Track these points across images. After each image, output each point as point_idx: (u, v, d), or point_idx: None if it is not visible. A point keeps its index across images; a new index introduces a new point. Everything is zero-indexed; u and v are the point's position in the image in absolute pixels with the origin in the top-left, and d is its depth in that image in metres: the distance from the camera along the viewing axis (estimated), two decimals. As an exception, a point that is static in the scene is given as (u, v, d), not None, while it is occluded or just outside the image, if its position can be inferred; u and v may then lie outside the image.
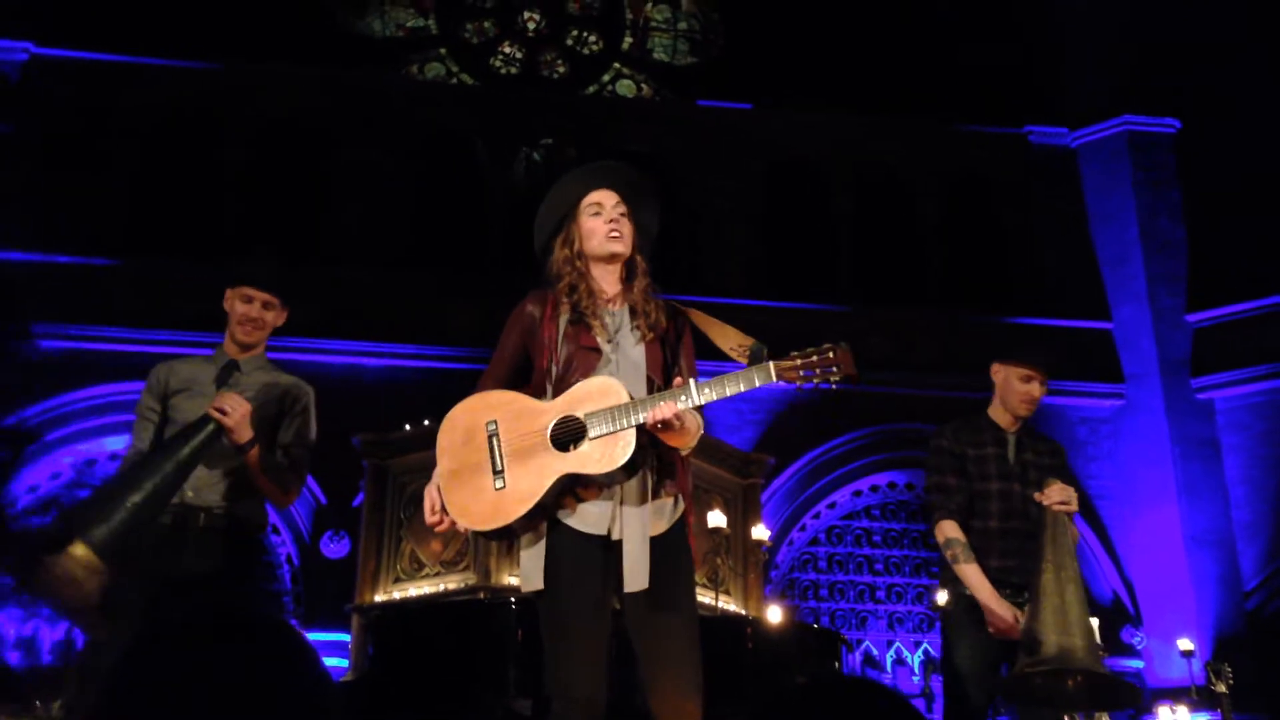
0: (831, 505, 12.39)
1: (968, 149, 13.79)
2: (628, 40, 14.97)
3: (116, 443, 10.65)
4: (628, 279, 3.09)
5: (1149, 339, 12.66)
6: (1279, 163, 12.40)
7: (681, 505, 2.99)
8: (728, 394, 2.84)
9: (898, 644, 12.15)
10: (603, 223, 3.08)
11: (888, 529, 12.49)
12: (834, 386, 2.87)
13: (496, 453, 2.86)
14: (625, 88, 14.75)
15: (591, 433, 2.81)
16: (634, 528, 2.85)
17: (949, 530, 4.06)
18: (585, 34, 14.95)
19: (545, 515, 2.85)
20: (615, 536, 2.85)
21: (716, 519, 7.76)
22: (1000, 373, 4.29)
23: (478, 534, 2.90)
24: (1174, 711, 9.99)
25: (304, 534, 11.21)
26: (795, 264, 12.93)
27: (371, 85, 13.16)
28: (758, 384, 2.84)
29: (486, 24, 14.84)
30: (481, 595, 7.62)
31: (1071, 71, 13.91)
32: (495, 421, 2.89)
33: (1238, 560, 12.00)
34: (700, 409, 2.86)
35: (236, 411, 3.58)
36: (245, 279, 3.93)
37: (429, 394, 10.91)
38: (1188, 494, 12.10)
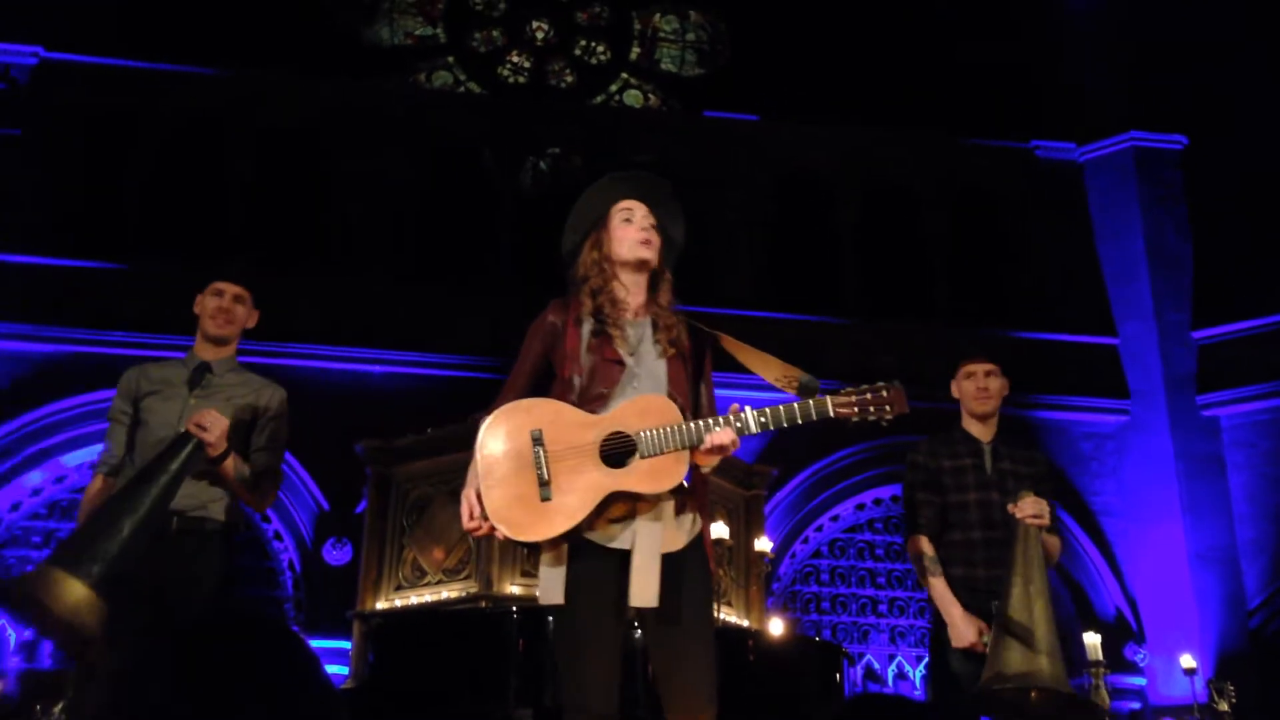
0: (834, 518, 12.37)
1: (974, 163, 13.79)
2: (635, 50, 15.00)
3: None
4: (652, 291, 3.08)
5: (1154, 355, 12.65)
6: (1286, 180, 12.41)
7: (700, 522, 2.98)
8: (784, 425, 2.85)
9: (899, 658, 12.12)
10: (634, 229, 3.07)
11: (890, 542, 12.46)
12: (885, 424, 2.88)
13: (543, 463, 2.81)
14: (632, 98, 14.77)
15: (644, 451, 2.80)
16: (648, 544, 2.82)
17: (918, 545, 4.13)
18: (593, 44, 14.98)
19: (579, 530, 2.83)
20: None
21: (719, 530, 7.75)
22: (954, 388, 4.34)
23: (513, 542, 2.86)
24: (1176, 729, 9.95)
25: (306, 540, 11.20)
26: (801, 275, 12.93)
27: (379, 93, 13.19)
28: (814, 418, 2.85)
29: (495, 33, 14.87)
30: (483, 604, 7.62)
31: (1079, 87, 13.91)
32: (540, 430, 2.84)
33: (1241, 578, 11.96)
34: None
35: (215, 428, 3.59)
36: (215, 276, 3.99)
37: (433, 402, 10.92)
38: (1192, 511, 12.07)
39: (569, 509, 2.79)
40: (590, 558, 2.84)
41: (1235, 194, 12.78)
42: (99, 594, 3.22)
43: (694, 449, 2.81)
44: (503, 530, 2.81)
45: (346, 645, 8.69)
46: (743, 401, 2.96)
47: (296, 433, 11.23)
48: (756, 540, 8.58)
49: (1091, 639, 5.25)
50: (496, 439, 2.86)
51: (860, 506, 12.45)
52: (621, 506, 2.84)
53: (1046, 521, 3.82)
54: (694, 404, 3.01)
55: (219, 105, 12.68)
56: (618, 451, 2.82)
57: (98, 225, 11.86)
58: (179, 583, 3.60)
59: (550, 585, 2.85)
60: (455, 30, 14.74)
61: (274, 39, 13.02)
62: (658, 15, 15.15)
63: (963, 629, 3.94)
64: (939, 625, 4.10)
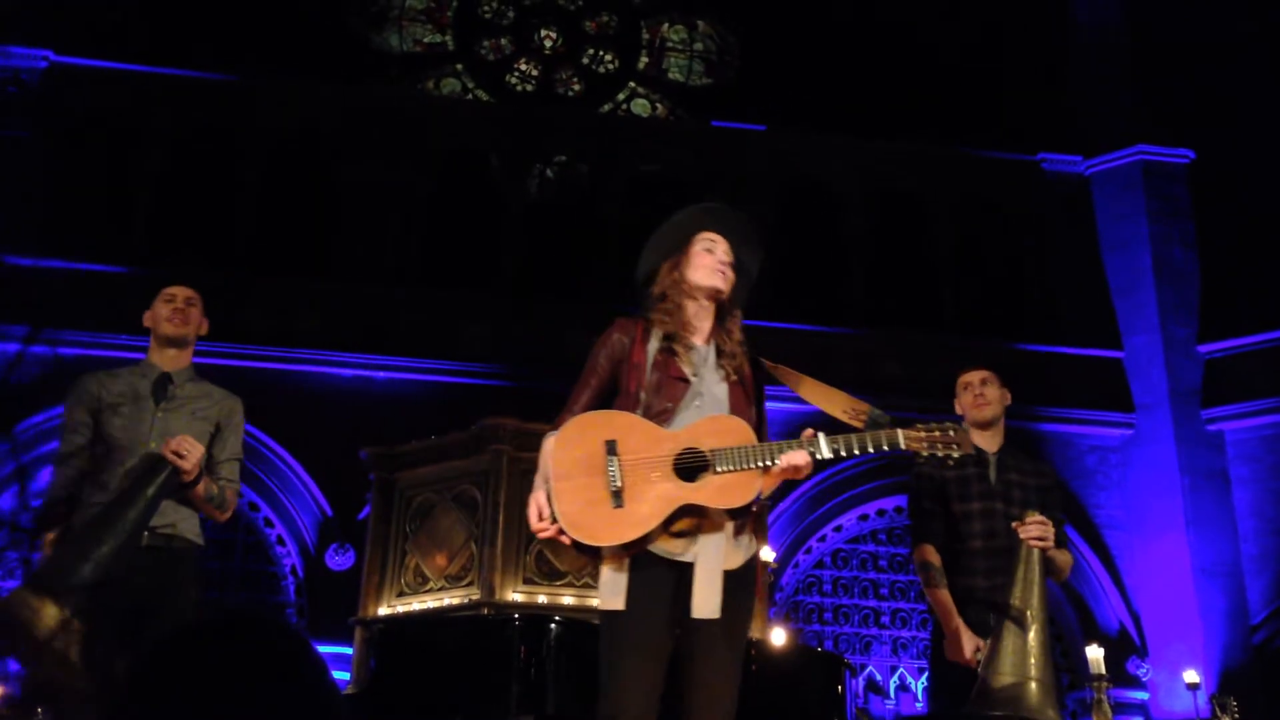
0: (838, 529, 12.36)
1: (981, 175, 13.79)
2: (643, 60, 15.02)
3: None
4: (719, 320, 3.18)
5: (1160, 369, 12.63)
6: (1293, 195, 12.40)
7: (755, 544, 3.07)
8: (855, 453, 2.93)
9: (901, 669, 12.09)
10: (713, 259, 3.16)
11: (894, 554, 12.45)
12: (950, 462, 3.02)
13: (616, 471, 2.87)
14: (640, 107, 14.79)
15: (719, 468, 2.87)
16: (711, 558, 2.90)
17: (924, 555, 4.13)
18: (601, 53, 15.01)
19: (645, 540, 2.89)
20: (693, 563, 2.92)
21: (764, 553, 7.75)
22: (956, 406, 4.36)
23: (577, 547, 2.91)
24: (1179, 744, 9.92)
25: (309, 545, 11.21)
26: (808, 285, 12.93)
27: (387, 100, 13.22)
28: (885, 449, 2.94)
29: (503, 41, 14.91)
30: (485, 611, 7.61)
31: (1086, 100, 13.92)
32: (615, 441, 2.91)
33: (1245, 593, 11.93)
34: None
35: (192, 455, 3.59)
36: (164, 285, 3.96)
37: (438, 408, 10.94)
38: (1196, 525, 12.04)
39: (640, 517, 2.85)
40: (651, 568, 2.91)
41: (1242, 208, 12.78)
42: (76, 619, 3.22)
43: (767, 469, 2.88)
44: (572, 534, 2.87)
45: (348, 651, 8.68)
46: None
47: (300, 437, 11.25)
48: (760, 550, 8.56)
49: (1094, 653, 5.23)
50: (571, 445, 2.93)
51: (864, 517, 12.44)
52: (686, 521, 2.90)
53: (1050, 543, 3.79)
54: (754, 429, 3.08)
55: (227, 110, 12.72)
56: (690, 466, 2.89)
57: (105, 228, 11.89)
58: (154, 599, 3.57)
59: (612, 591, 2.91)
60: (464, 38, 14.78)
61: (283, 45, 13.06)
62: (666, 25, 15.18)
63: (960, 644, 3.95)
64: (939, 636, 4.10)
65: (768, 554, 7.75)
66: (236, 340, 11.06)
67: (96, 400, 3.83)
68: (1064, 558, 4.00)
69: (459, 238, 12.86)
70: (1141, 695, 11.66)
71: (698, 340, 3.12)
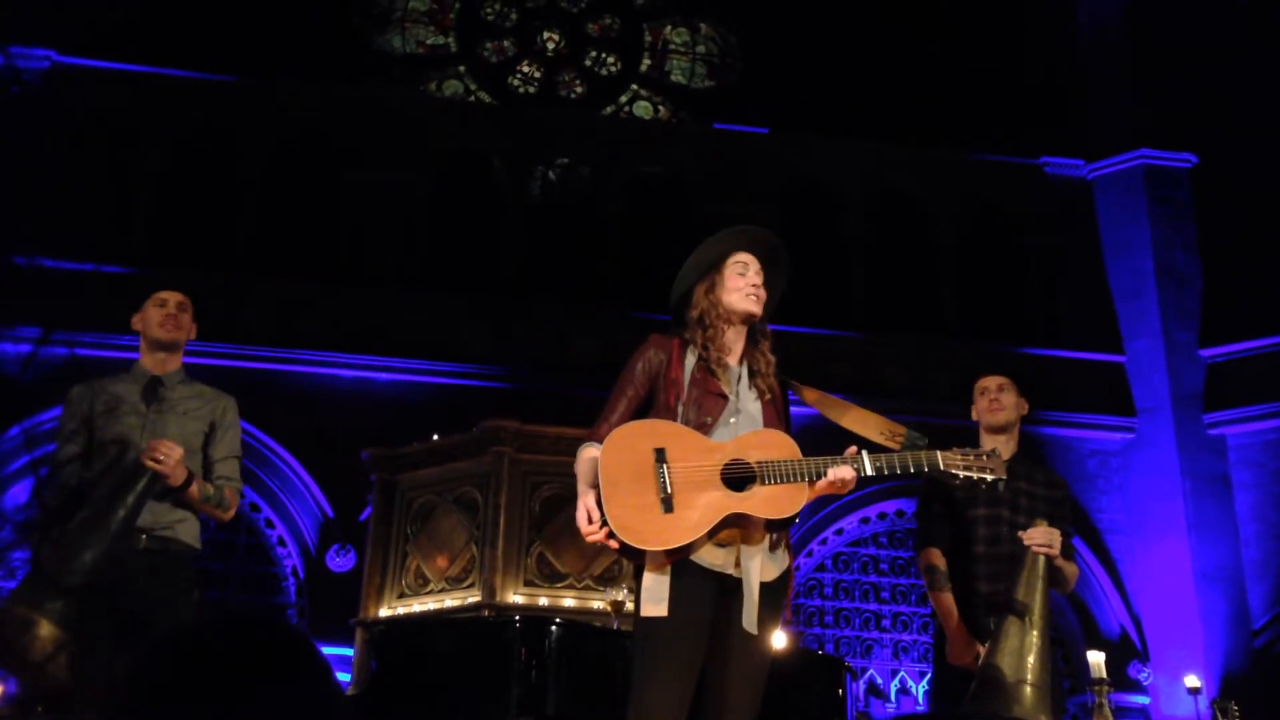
0: (839, 531, 12.35)
1: (983, 178, 13.79)
2: (646, 62, 15.02)
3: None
4: (751, 340, 3.26)
5: (1162, 373, 12.62)
6: (1296, 199, 12.39)
7: (788, 557, 3.16)
8: (896, 472, 3.05)
9: (902, 673, 12.08)
10: (745, 282, 3.24)
11: (895, 557, 12.44)
12: (985, 487, 3.17)
13: (665, 479, 2.94)
14: (642, 109, 14.79)
15: (767, 479, 2.96)
16: (754, 571, 3.00)
17: (929, 558, 4.18)
18: (604, 55, 15.01)
19: (690, 548, 2.96)
20: (735, 576, 2.99)
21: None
22: (973, 412, 4.41)
23: (624, 551, 2.97)
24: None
25: (310, 546, 11.20)
26: (809, 288, 12.91)
27: (390, 101, 13.21)
28: (925, 469, 3.06)
29: (506, 43, 14.91)
30: (486, 613, 7.62)
31: (1089, 104, 13.91)
32: (664, 449, 2.98)
33: (1246, 597, 11.92)
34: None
35: (170, 458, 3.59)
36: (156, 290, 3.97)
37: (439, 410, 10.94)
38: (1197, 530, 12.03)
39: (688, 523, 2.92)
40: (693, 577, 2.97)
41: (1244, 212, 12.77)
42: (69, 631, 3.21)
43: (813, 483, 3.00)
44: (622, 536, 2.92)
45: (349, 652, 8.69)
46: None
47: (301, 438, 11.26)
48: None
49: (1095, 657, 5.22)
50: (620, 452, 2.99)
51: (865, 520, 12.43)
52: (728, 533, 2.98)
53: (1056, 551, 3.82)
54: None
55: (229, 111, 12.72)
56: (738, 477, 2.97)
57: (106, 229, 11.89)
58: (153, 603, 3.57)
59: (655, 597, 2.96)
60: (466, 40, 14.78)
61: (285, 46, 13.06)
62: (668, 27, 15.18)
63: (960, 648, 4.00)
64: (941, 639, 4.13)
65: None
66: (237, 341, 11.07)
67: (89, 408, 3.84)
68: (1070, 569, 4.03)
69: (460, 239, 12.86)
70: (1142, 700, 11.64)
71: (731, 360, 3.21)
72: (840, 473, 2.98)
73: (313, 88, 12.92)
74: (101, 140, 12.22)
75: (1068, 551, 3.96)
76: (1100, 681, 5.19)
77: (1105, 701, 5.14)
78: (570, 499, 4.11)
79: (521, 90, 14.68)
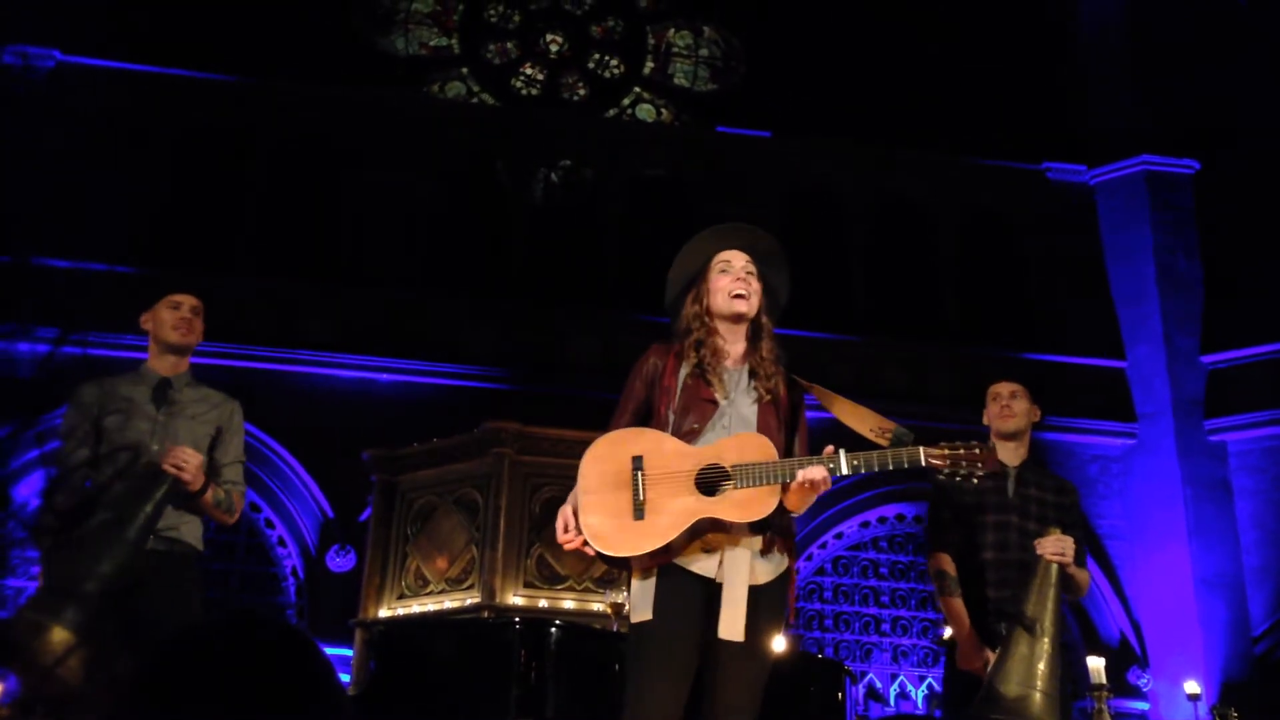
0: (839, 535, 12.35)
1: (985, 183, 13.80)
2: (649, 65, 15.03)
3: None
4: (752, 340, 3.20)
5: (1163, 379, 12.61)
6: (1298, 206, 12.39)
7: (786, 560, 3.11)
8: (875, 469, 2.99)
9: (902, 677, 12.08)
10: (729, 280, 3.18)
11: (894, 561, 12.44)
12: (975, 482, 3.03)
13: (640, 486, 2.94)
14: (645, 112, 14.80)
15: (738, 483, 2.93)
16: (738, 577, 2.96)
17: (939, 563, 4.18)
18: (607, 58, 15.02)
19: (669, 552, 2.95)
20: (720, 581, 2.97)
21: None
22: (984, 417, 4.40)
23: (602, 558, 2.99)
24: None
25: (310, 547, 11.20)
26: (810, 292, 12.92)
27: (393, 103, 13.22)
28: (906, 465, 2.98)
29: (509, 45, 14.91)
30: (485, 614, 7.62)
31: (1091, 109, 13.92)
32: (641, 457, 2.98)
33: (1246, 604, 11.91)
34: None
35: (190, 464, 3.59)
36: (170, 291, 3.94)
37: (441, 411, 10.94)
38: (1198, 536, 12.03)
39: (659, 529, 2.91)
40: (678, 582, 2.96)
41: (1246, 219, 12.77)
42: (80, 638, 3.20)
43: (786, 484, 2.94)
44: (594, 544, 2.95)
45: (348, 653, 8.69)
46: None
47: (303, 438, 11.28)
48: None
49: (1095, 662, 5.22)
50: (599, 460, 3.02)
51: (865, 524, 12.43)
52: (713, 537, 2.96)
53: (1069, 559, 3.83)
54: (786, 450, 3.12)
55: (232, 112, 12.73)
56: (712, 481, 2.95)
57: (109, 228, 11.89)
58: (157, 604, 3.56)
59: (639, 603, 2.98)
60: (470, 41, 14.78)
61: (288, 47, 13.06)
62: (672, 30, 15.18)
63: (971, 652, 3.99)
64: (952, 644, 4.15)
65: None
66: (240, 341, 11.07)
67: (99, 407, 3.82)
68: (1082, 575, 4.04)
69: (462, 240, 12.86)
70: (1142, 706, 11.64)
71: (730, 363, 3.17)
72: (809, 474, 2.93)
73: (316, 88, 12.92)
74: (104, 140, 12.21)
75: (1080, 558, 3.96)
76: (1100, 687, 5.19)
77: (1105, 707, 5.14)
78: (571, 501, 4.10)
79: (524, 92, 14.69)
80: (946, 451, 2.99)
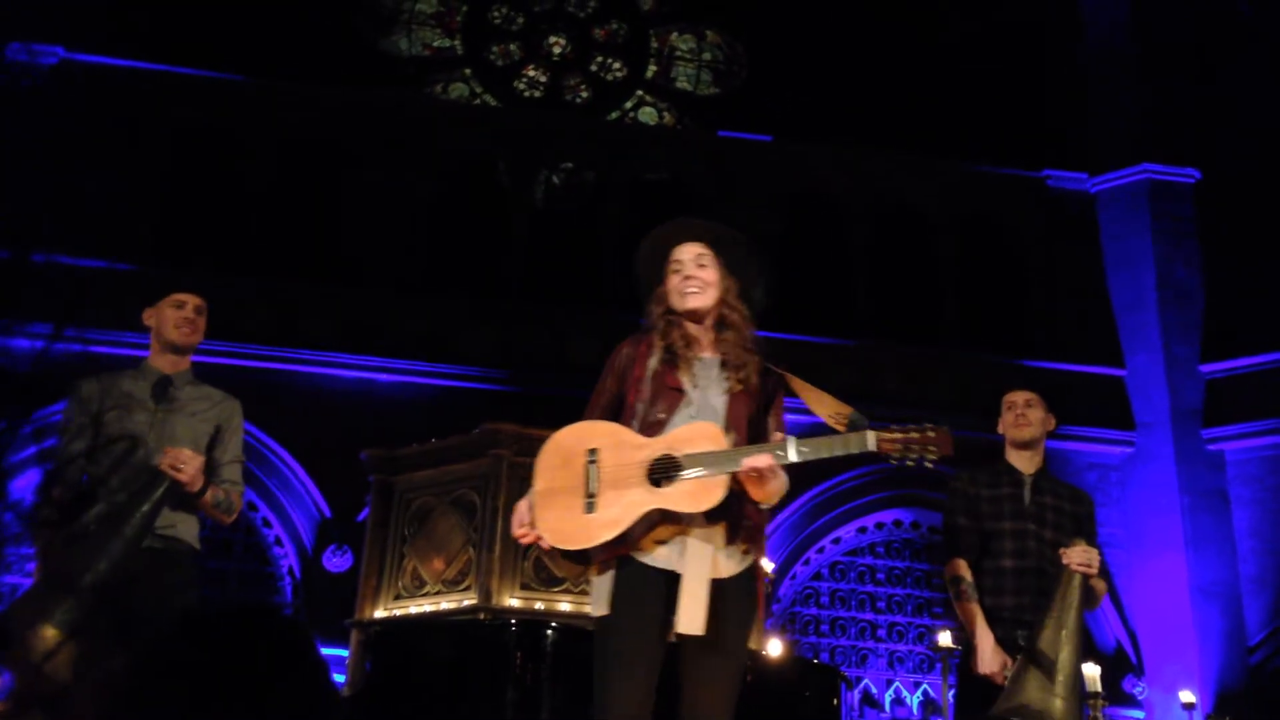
0: (836, 540, 12.34)
1: (986, 190, 13.80)
2: (651, 68, 15.05)
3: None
4: (719, 330, 3.15)
5: (1161, 388, 12.62)
6: (1298, 217, 12.40)
7: (753, 554, 3.06)
8: (823, 456, 2.93)
9: (897, 683, 12.07)
10: (679, 279, 3.17)
11: (891, 566, 12.44)
12: (930, 467, 2.93)
13: (592, 479, 2.93)
14: (647, 115, 14.82)
15: (687, 473, 2.88)
16: (698, 570, 2.89)
17: (956, 569, 4.18)
18: (609, 60, 15.04)
19: (625, 545, 2.91)
20: (680, 573, 2.92)
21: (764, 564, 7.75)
22: (999, 425, 4.44)
23: (558, 553, 2.97)
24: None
25: (307, 547, 11.20)
26: (810, 296, 12.92)
27: (395, 103, 13.23)
28: (854, 450, 2.92)
29: (512, 47, 14.93)
30: (482, 615, 7.61)
31: (1093, 117, 13.92)
32: (596, 450, 2.96)
33: (1243, 614, 11.91)
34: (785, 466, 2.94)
35: (190, 466, 3.58)
36: (174, 289, 3.94)
37: (439, 412, 10.94)
38: (1195, 545, 12.03)
39: (610, 520, 2.89)
40: (637, 575, 2.93)
41: (1247, 229, 12.78)
42: (73, 636, 3.21)
43: (734, 473, 2.88)
44: (547, 539, 2.93)
45: (344, 653, 8.68)
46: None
47: (300, 438, 11.26)
48: (759, 559, 8.54)
49: (1090, 670, 5.24)
50: (554, 454, 3.01)
51: (862, 530, 12.43)
52: (670, 528, 2.92)
53: (1095, 570, 3.86)
54: (755, 439, 3.05)
55: (234, 111, 12.73)
56: (664, 473, 2.91)
57: (110, 226, 11.89)
58: (153, 602, 3.55)
59: (597, 597, 2.97)
60: (473, 43, 14.80)
61: (291, 47, 13.08)
62: (674, 34, 15.21)
63: (989, 658, 3.99)
64: (968, 650, 4.14)
65: (766, 565, 7.73)
66: (239, 340, 11.06)
67: (97, 403, 3.82)
68: (1101, 586, 4.07)
69: (463, 241, 12.87)
70: (1137, 714, 11.63)
71: (703, 353, 3.13)
72: (754, 461, 2.85)
73: (319, 88, 12.93)
74: (106, 138, 12.21)
75: (1102, 570, 3.99)
76: (1095, 695, 5.21)
77: (1100, 715, 5.15)
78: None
79: (527, 94, 14.71)
80: (898, 435, 2.91)
